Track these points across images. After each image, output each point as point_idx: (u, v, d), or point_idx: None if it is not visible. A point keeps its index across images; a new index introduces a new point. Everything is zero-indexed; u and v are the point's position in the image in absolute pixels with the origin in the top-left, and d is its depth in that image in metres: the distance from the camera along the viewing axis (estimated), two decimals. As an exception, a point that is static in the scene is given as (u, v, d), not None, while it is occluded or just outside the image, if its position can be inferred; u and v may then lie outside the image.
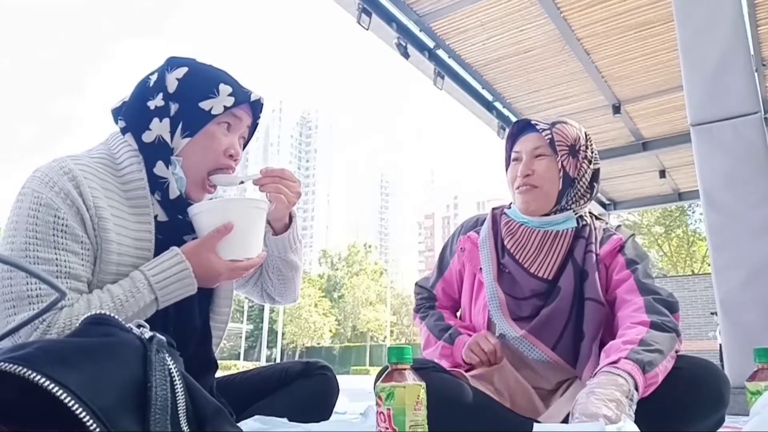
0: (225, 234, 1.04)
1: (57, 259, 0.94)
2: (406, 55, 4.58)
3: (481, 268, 1.39)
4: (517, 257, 1.36)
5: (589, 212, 1.44)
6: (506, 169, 1.46)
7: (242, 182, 1.18)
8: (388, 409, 0.80)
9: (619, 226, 1.45)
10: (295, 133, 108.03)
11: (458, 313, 1.54)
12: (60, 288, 0.73)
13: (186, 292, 1.03)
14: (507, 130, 6.04)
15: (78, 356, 0.66)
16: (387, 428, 0.80)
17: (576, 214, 1.38)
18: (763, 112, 3.00)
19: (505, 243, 1.39)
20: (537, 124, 1.38)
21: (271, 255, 1.26)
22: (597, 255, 1.32)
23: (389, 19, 4.44)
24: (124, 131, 1.10)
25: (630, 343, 1.11)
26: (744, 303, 2.79)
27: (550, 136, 1.35)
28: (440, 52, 4.96)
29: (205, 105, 1.08)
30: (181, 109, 1.08)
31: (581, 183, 1.37)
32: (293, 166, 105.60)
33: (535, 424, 1.06)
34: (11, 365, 0.61)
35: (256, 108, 1.19)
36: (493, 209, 1.50)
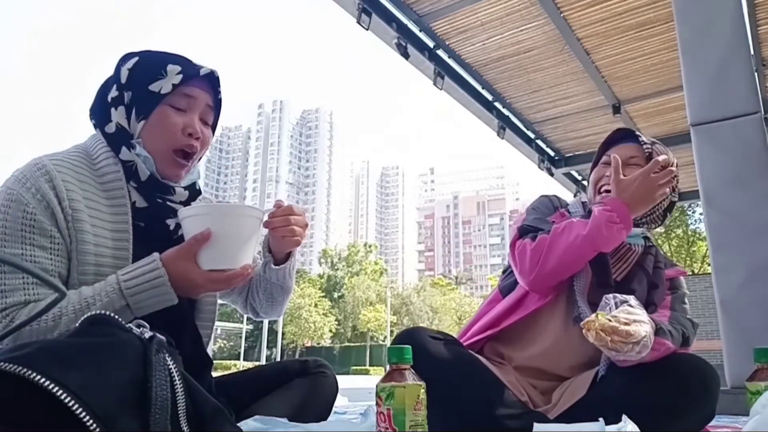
0: (203, 242, 0.98)
1: (23, 254, 0.95)
2: (406, 55, 4.58)
3: None
4: None
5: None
6: (591, 170, 1.51)
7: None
8: (388, 409, 0.80)
9: (675, 262, 1.57)
10: (295, 133, 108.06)
11: None
12: (60, 288, 0.73)
13: (163, 301, 0.98)
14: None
15: (78, 356, 0.66)
16: (387, 428, 0.80)
17: (643, 234, 1.47)
18: (763, 112, 2.99)
19: None
20: (640, 137, 1.44)
21: (267, 281, 1.24)
22: (664, 273, 1.43)
23: (389, 19, 4.44)
24: (95, 128, 1.14)
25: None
26: (744, 303, 2.79)
27: (650, 150, 1.40)
28: (440, 52, 4.96)
29: (154, 87, 1.09)
30: (134, 95, 1.10)
31: (659, 207, 1.41)
32: (293, 166, 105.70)
33: (536, 424, 1.06)
34: (11, 365, 0.61)
35: (213, 84, 1.17)
36: (580, 199, 1.54)
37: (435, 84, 4.95)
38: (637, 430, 0.88)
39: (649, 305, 1.35)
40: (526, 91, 5.66)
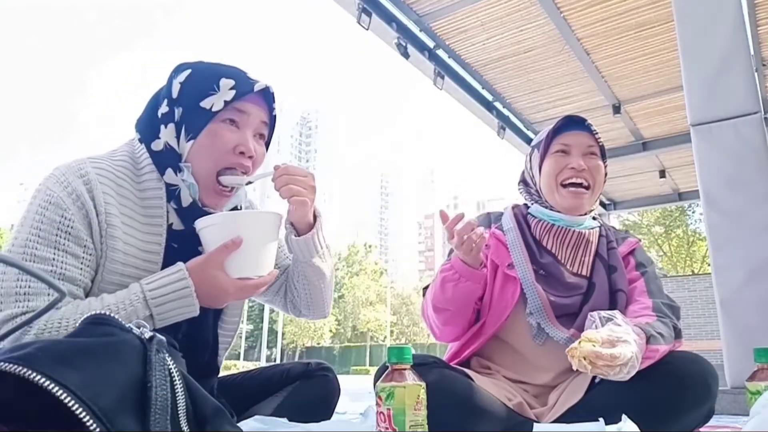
0: (233, 250, 0.96)
1: (54, 259, 0.93)
2: (406, 55, 4.58)
3: (509, 265, 1.38)
4: (558, 256, 1.38)
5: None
6: (541, 161, 1.44)
7: (250, 182, 1.10)
8: (388, 409, 0.80)
9: (626, 231, 1.54)
10: (295, 133, 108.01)
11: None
12: (60, 288, 0.73)
13: (186, 312, 0.96)
14: (499, 124, 6.10)
15: (78, 356, 0.66)
16: (387, 428, 0.80)
17: (590, 214, 1.46)
18: (763, 112, 2.99)
19: (543, 243, 1.40)
20: (591, 125, 1.42)
21: (295, 260, 1.20)
22: (618, 252, 1.40)
23: (389, 19, 4.44)
24: (140, 142, 1.08)
25: (636, 321, 1.18)
26: (744, 303, 2.78)
27: (602, 141, 1.41)
28: (440, 52, 4.96)
29: (205, 103, 1.03)
30: (184, 112, 1.05)
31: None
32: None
33: (536, 425, 1.06)
34: (11, 365, 0.60)
35: (268, 99, 1.11)
36: (513, 208, 1.51)
37: (435, 84, 4.95)
38: (637, 429, 0.88)
39: (614, 292, 1.33)
40: (526, 91, 5.65)
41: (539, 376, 1.31)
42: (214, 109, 1.03)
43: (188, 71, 1.07)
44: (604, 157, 1.42)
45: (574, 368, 1.02)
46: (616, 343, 1.03)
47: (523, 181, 1.53)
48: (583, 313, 1.30)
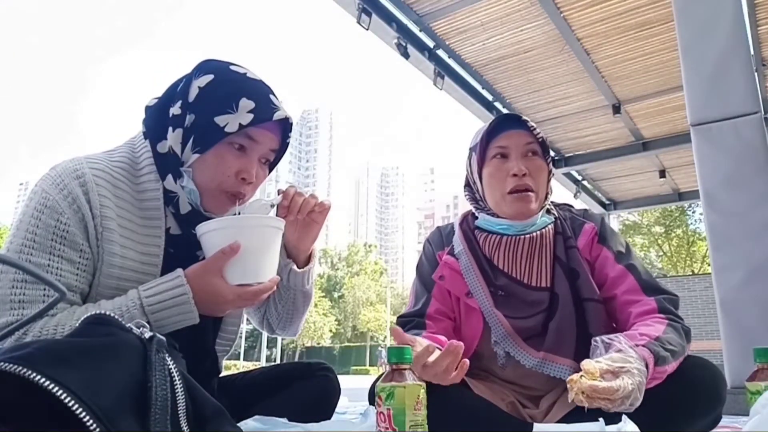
0: (231, 255, 0.94)
1: (50, 265, 0.91)
2: (406, 55, 4.58)
3: (467, 293, 1.30)
4: (512, 274, 1.29)
5: (551, 202, 1.39)
6: (479, 167, 1.33)
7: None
8: (388, 409, 0.80)
9: (585, 210, 1.39)
10: (295, 133, 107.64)
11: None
12: (60, 287, 0.73)
13: (184, 320, 0.94)
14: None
15: (78, 356, 0.66)
16: (387, 428, 0.80)
17: (547, 211, 1.34)
18: (763, 112, 3.00)
19: (495, 262, 1.31)
20: (527, 121, 1.29)
21: (288, 289, 1.19)
22: (578, 249, 1.27)
23: (389, 19, 4.44)
24: (144, 136, 1.06)
25: (647, 336, 1.08)
26: (744, 303, 2.79)
27: (541, 136, 1.28)
28: (440, 52, 4.96)
29: (220, 120, 0.99)
30: (196, 121, 1.01)
31: (551, 182, 1.33)
32: (293, 166, 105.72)
33: (536, 425, 1.06)
34: (11, 365, 0.60)
35: (284, 128, 1.08)
36: (460, 224, 1.40)
37: (435, 84, 4.96)
38: (637, 429, 0.88)
39: (581, 302, 1.22)
40: (526, 91, 5.65)
41: (531, 382, 1.27)
42: (227, 130, 0.99)
43: (210, 77, 1.02)
44: (546, 152, 1.29)
45: (569, 400, 0.96)
46: (617, 373, 0.95)
47: (468, 185, 1.41)
48: (551, 332, 1.22)
